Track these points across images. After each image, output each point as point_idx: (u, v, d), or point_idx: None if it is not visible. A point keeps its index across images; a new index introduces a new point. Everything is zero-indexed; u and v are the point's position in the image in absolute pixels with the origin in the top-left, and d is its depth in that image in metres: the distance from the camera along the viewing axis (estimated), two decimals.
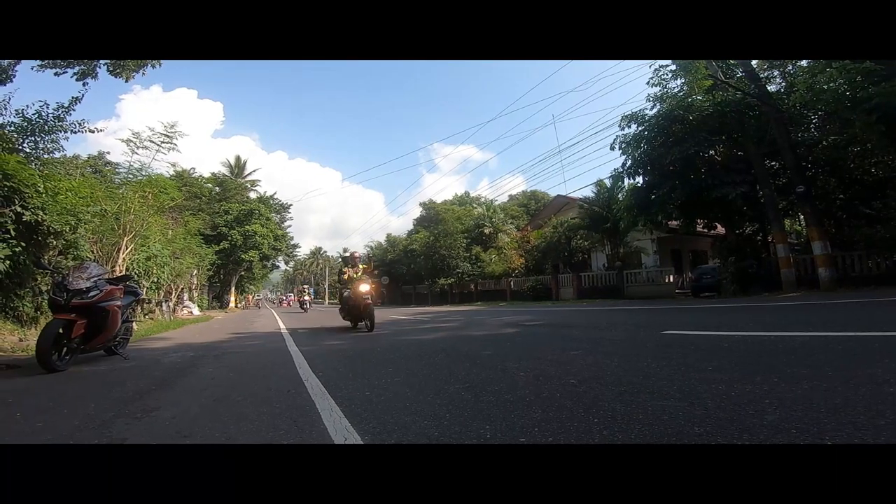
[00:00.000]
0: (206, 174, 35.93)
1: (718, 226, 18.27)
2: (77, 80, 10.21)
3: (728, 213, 16.04)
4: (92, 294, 4.77)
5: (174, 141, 13.24)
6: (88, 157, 21.22)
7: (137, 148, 12.81)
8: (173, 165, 14.59)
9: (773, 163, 15.49)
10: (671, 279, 20.35)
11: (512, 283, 28.35)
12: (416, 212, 43.95)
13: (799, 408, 2.00)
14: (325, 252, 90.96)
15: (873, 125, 10.55)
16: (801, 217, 16.00)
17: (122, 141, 12.82)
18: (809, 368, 2.76)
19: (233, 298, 37.09)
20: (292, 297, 43.45)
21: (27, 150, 9.36)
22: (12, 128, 9.14)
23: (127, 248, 11.35)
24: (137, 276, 11.90)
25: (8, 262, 6.69)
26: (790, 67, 15.74)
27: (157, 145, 13.00)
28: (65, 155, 12.28)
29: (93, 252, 10.20)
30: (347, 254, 10.79)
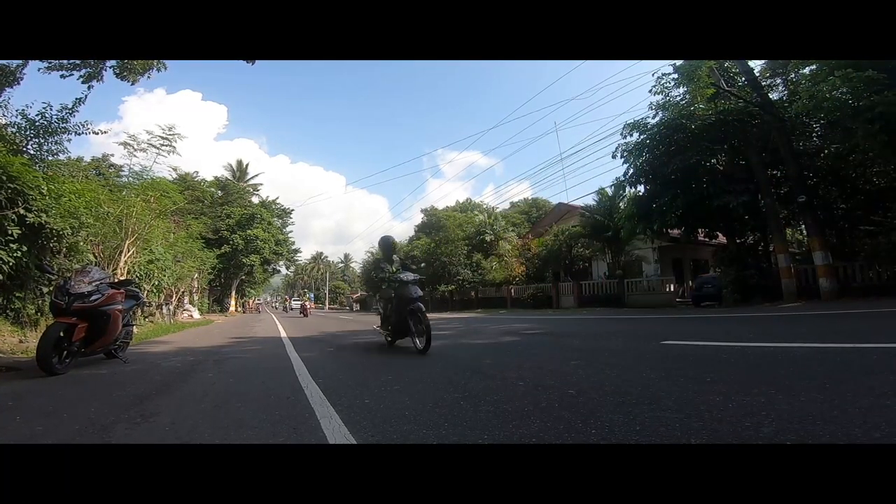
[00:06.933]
0: (209, 177, 36.09)
1: (720, 235, 18.26)
2: (83, 82, 10.29)
3: (729, 222, 16.03)
4: (94, 298, 4.79)
5: (173, 143, 13.32)
6: (92, 160, 21.25)
7: (135, 151, 12.89)
8: (175, 169, 14.67)
9: (775, 172, 15.49)
10: (672, 288, 20.31)
11: (512, 290, 28.31)
12: (419, 217, 43.96)
13: (795, 420, 2.01)
14: (327, 257, 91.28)
15: (876, 134, 10.52)
16: (803, 226, 15.98)
17: (120, 144, 12.91)
18: (807, 380, 2.76)
19: (233, 302, 37.11)
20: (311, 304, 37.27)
21: (31, 151, 9.42)
22: (16, 129, 9.20)
23: (129, 251, 11.38)
24: (139, 279, 11.93)
25: (12, 262, 6.72)
26: (793, 75, 15.77)
27: (157, 148, 13.07)
28: (69, 157, 12.30)
29: (95, 255, 10.22)
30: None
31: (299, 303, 41.20)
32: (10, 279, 7.13)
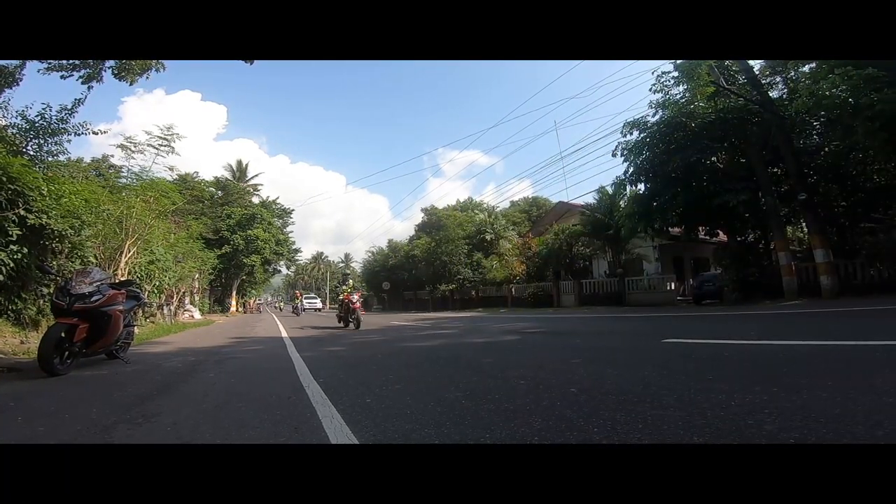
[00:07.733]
0: (209, 178, 36.08)
1: (720, 233, 18.24)
2: (83, 83, 10.28)
3: (730, 220, 16.02)
4: (95, 299, 4.79)
5: (172, 143, 13.26)
6: (92, 160, 21.22)
7: (133, 153, 12.87)
8: (172, 169, 14.58)
9: (776, 169, 15.48)
10: (673, 286, 20.30)
11: (513, 289, 28.32)
12: (420, 217, 43.93)
13: (797, 418, 2.00)
14: (327, 257, 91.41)
15: (876, 132, 10.49)
16: (804, 224, 15.97)
17: (117, 146, 12.90)
18: (809, 378, 2.76)
19: (234, 303, 37.13)
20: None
21: (31, 152, 9.42)
22: (15, 130, 9.20)
23: (129, 252, 11.36)
24: (139, 279, 11.91)
25: (12, 263, 6.72)
26: (792, 73, 15.73)
27: (155, 149, 13.03)
28: (69, 158, 12.31)
29: (95, 255, 10.22)
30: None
31: (319, 302, 27.92)
32: (11, 280, 7.13)
